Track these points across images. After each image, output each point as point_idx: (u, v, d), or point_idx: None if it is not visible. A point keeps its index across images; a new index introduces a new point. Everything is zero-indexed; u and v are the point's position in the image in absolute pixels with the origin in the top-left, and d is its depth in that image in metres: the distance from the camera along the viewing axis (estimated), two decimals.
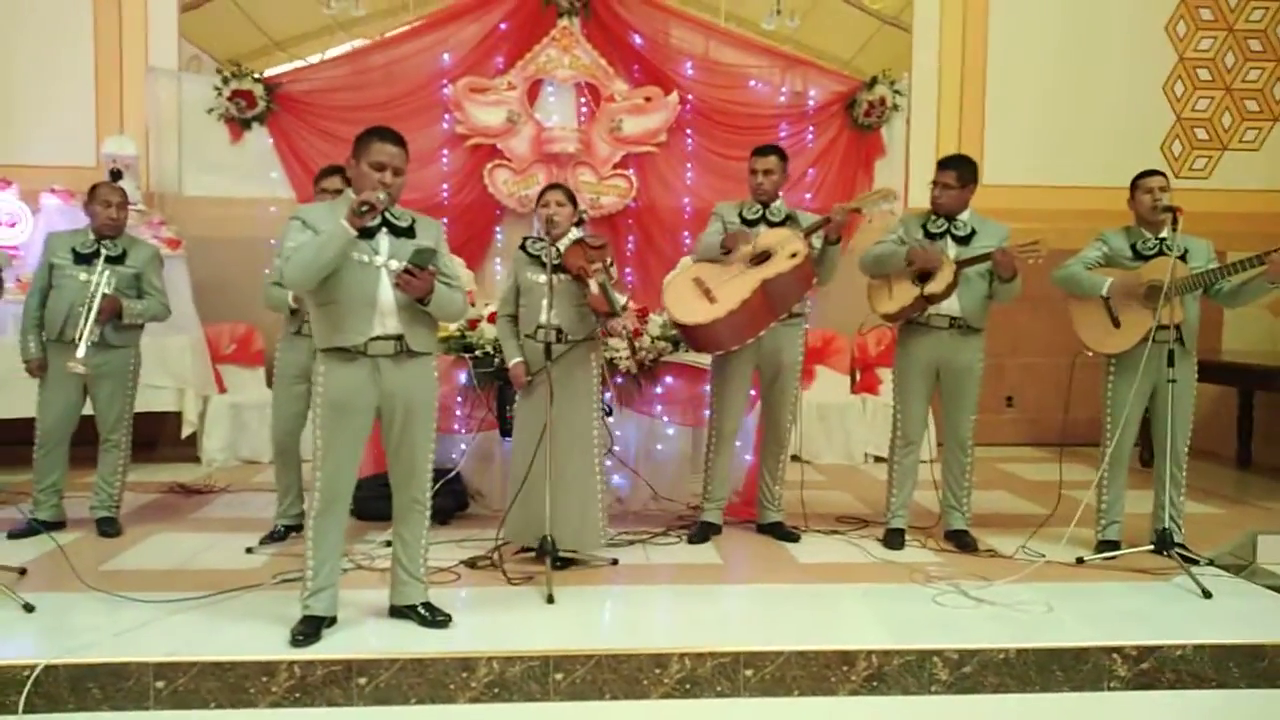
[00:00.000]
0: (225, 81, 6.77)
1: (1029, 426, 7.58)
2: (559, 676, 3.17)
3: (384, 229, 3.27)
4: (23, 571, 3.86)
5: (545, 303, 3.95)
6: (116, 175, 6.44)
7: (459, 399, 4.98)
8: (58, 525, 4.58)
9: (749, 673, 3.22)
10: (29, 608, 3.45)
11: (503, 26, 7.04)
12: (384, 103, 6.98)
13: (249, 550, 4.27)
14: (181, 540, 4.48)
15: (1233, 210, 7.21)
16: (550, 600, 3.64)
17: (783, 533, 4.63)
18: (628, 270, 6.90)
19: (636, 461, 5.16)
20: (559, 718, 3.13)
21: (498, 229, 7.08)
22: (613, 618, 3.54)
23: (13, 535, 4.44)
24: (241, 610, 3.53)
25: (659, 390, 5.05)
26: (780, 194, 4.54)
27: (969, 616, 3.61)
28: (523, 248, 4.15)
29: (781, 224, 4.43)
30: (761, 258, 4.27)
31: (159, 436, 6.59)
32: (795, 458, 6.81)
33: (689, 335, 4.30)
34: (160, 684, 3.05)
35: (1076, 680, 3.30)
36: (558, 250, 4.00)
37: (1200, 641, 3.37)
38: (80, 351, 4.00)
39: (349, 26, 7.06)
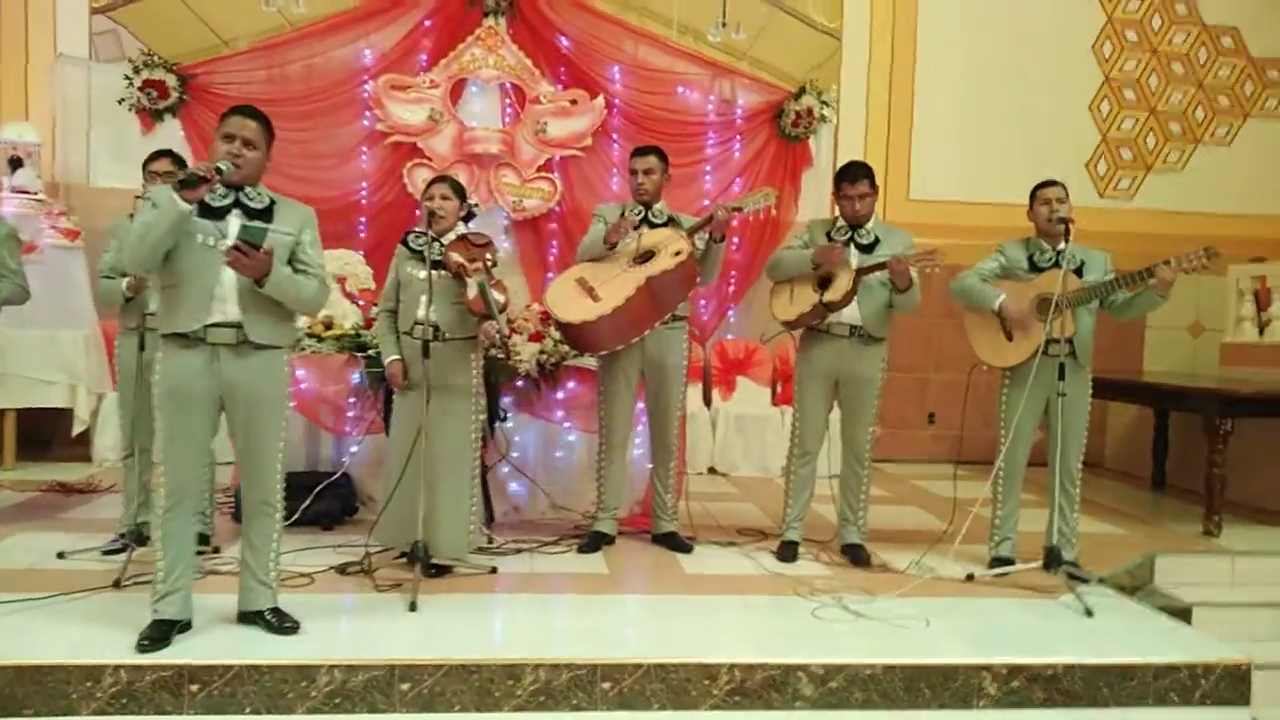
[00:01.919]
0: (136, 71, 6.60)
1: (951, 443, 7.54)
2: (405, 687, 3.03)
3: (235, 210, 3.11)
4: None
5: (424, 299, 3.81)
6: (16, 163, 6.25)
7: (350, 400, 4.84)
8: None
9: (606, 685, 3.10)
10: None
11: (426, 24, 6.95)
12: (302, 96, 6.87)
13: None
14: (43, 540, 4.26)
15: (1156, 231, 7.26)
16: (413, 608, 3.50)
17: (676, 543, 4.53)
18: (550, 275, 6.78)
19: (536, 468, 5.04)
20: None
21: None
22: (472, 627, 3.39)
23: None
24: (82, 613, 3.35)
25: (560, 395, 4.93)
26: (662, 195, 4.44)
27: (844, 631, 3.51)
28: (404, 241, 4.01)
29: (664, 225, 4.34)
30: (645, 257, 4.18)
31: (54, 434, 6.36)
32: (711, 469, 6.80)
33: (571, 335, 4.20)
34: None
35: (944, 698, 3.22)
36: (439, 245, 3.87)
37: (1071, 660, 3.30)
38: None
39: (296, 24, 6.86)
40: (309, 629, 3.26)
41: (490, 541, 4.43)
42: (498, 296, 3.77)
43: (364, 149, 6.93)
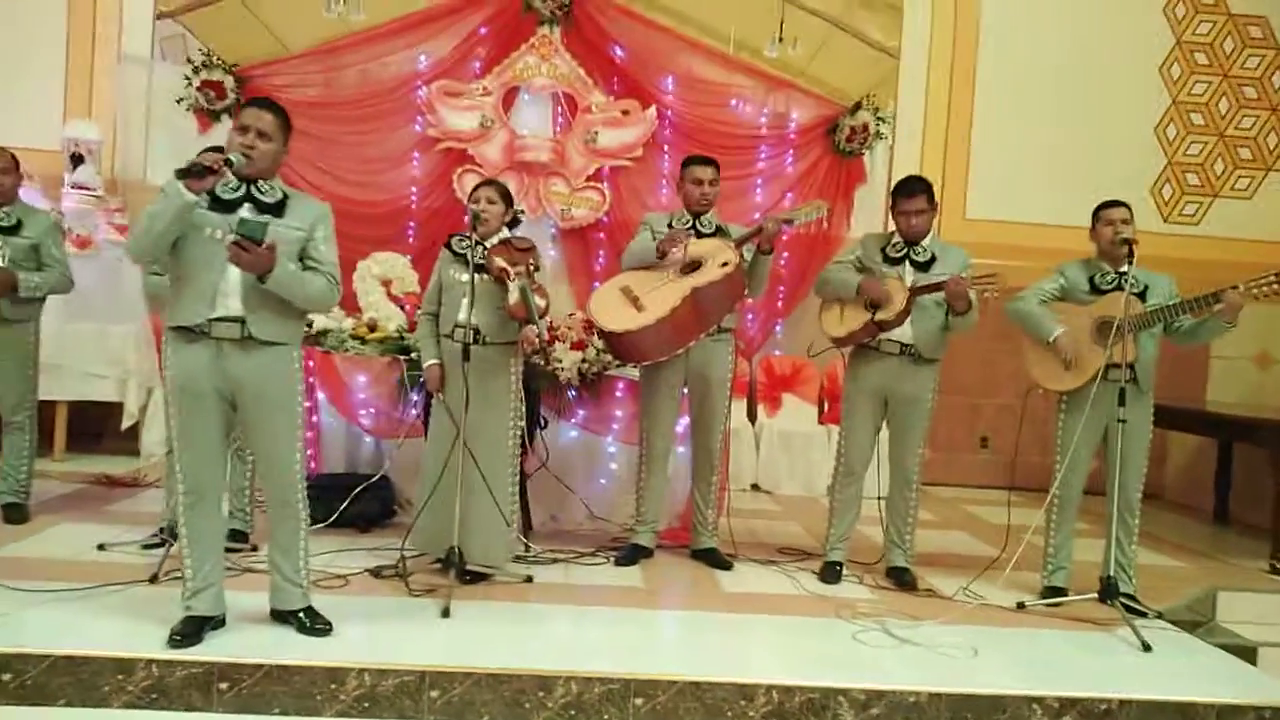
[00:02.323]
0: (195, 71, 6.69)
1: (1004, 469, 7.35)
2: (434, 694, 2.97)
3: (247, 204, 3.05)
4: None
5: (465, 301, 3.78)
6: (77, 160, 6.36)
7: (392, 402, 4.82)
8: None
9: (639, 701, 3.02)
10: None
11: (482, 31, 6.95)
12: (356, 100, 6.90)
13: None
14: (85, 532, 4.29)
15: (1223, 259, 7.00)
16: (446, 614, 3.45)
17: (715, 560, 4.43)
18: (596, 285, 6.73)
19: (575, 478, 4.97)
20: None
21: None
22: (505, 636, 3.32)
23: None
24: (118, 606, 3.34)
25: (602, 405, 4.87)
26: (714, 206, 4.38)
27: (888, 656, 3.39)
28: (448, 244, 3.99)
29: (712, 236, 4.26)
30: (691, 267, 4.11)
31: (103, 427, 6.44)
32: (755, 486, 6.68)
33: (614, 344, 4.13)
34: (6, 676, 2.87)
35: None
36: (483, 248, 3.84)
37: (1127, 696, 3.15)
38: None
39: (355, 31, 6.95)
40: (340, 631, 3.22)
41: (527, 550, 4.37)
42: (539, 302, 3.72)
43: (415, 154, 6.93)
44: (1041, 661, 3.44)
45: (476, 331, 3.80)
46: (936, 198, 4.36)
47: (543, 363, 4.48)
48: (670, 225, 4.36)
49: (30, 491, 4.51)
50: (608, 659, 3.16)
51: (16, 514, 4.40)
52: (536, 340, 3.80)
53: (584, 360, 4.76)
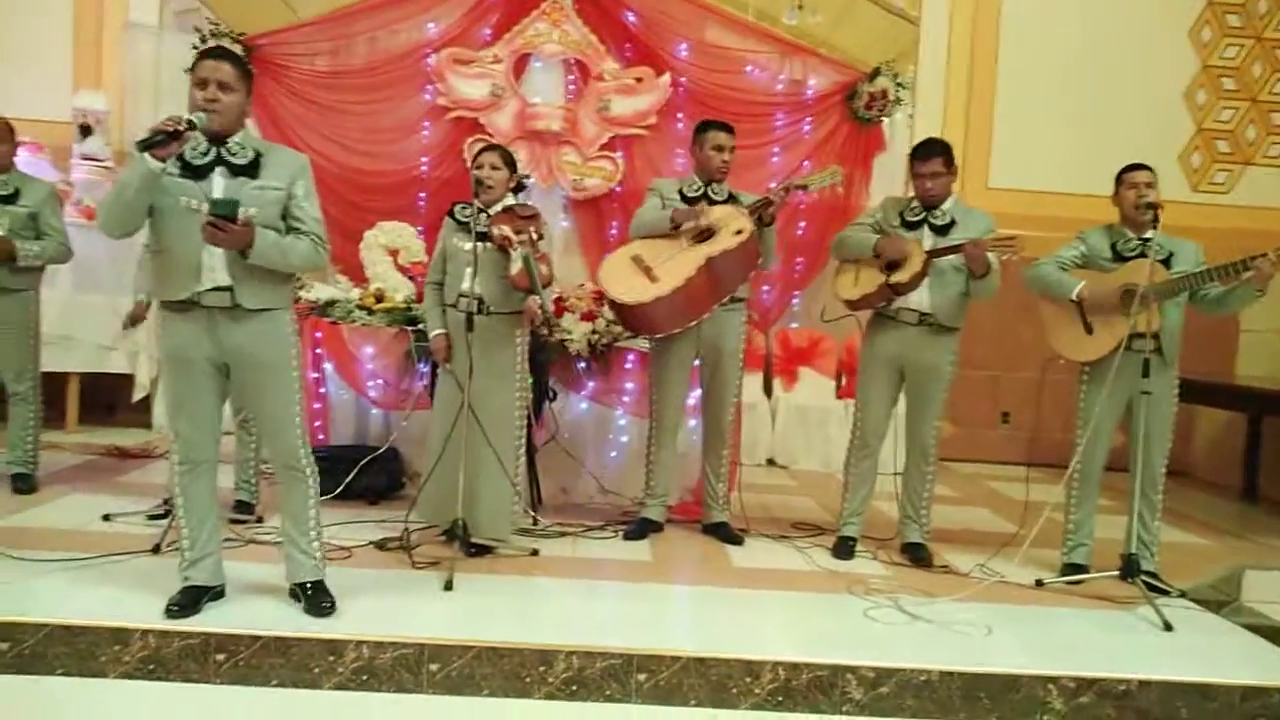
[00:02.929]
0: (203, 40, 6.61)
1: (1025, 444, 7.21)
2: (434, 667, 2.92)
3: (219, 167, 2.93)
4: None
5: (469, 271, 3.70)
6: (86, 130, 6.31)
7: (399, 374, 4.76)
8: None
9: (642, 677, 2.95)
10: None
11: None
12: (365, 69, 6.79)
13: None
14: (93, 503, 4.27)
15: (1253, 227, 6.82)
16: (448, 587, 3.40)
17: (726, 534, 4.35)
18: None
19: (585, 451, 4.90)
20: (431, 711, 2.87)
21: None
22: (507, 609, 3.27)
23: None
24: (120, 576, 3.31)
25: (612, 377, 4.78)
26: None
27: (899, 634, 3.31)
28: (450, 213, 3.90)
29: (724, 203, 4.15)
30: (704, 235, 4.00)
31: (116, 399, 6.43)
32: (770, 461, 6.59)
33: (626, 316, 4.04)
34: (4, 645, 2.84)
35: (1004, 709, 3.00)
36: (486, 216, 3.75)
37: (1147, 676, 3.06)
38: None
39: None
40: (341, 603, 3.15)
41: (535, 523, 4.31)
42: (542, 270, 3.63)
43: (426, 123, 6.82)
44: (1059, 640, 3.35)
45: (480, 301, 3.72)
46: (956, 162, 4.23)
47: (546, 334, 4.38)
48: (680, 192, 4.26)
49: (38, 461, 4.49)
50: (610, 633, 3.09)
51: (24, 484, 4.39)
52: (540, 312, 3.71)
53: (593, 331, 4.69)
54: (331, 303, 4.92)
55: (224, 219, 2.81)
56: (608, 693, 2.94)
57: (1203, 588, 4.16)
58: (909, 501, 4.29)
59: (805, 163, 7.03)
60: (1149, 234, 3.89)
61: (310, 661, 2.89)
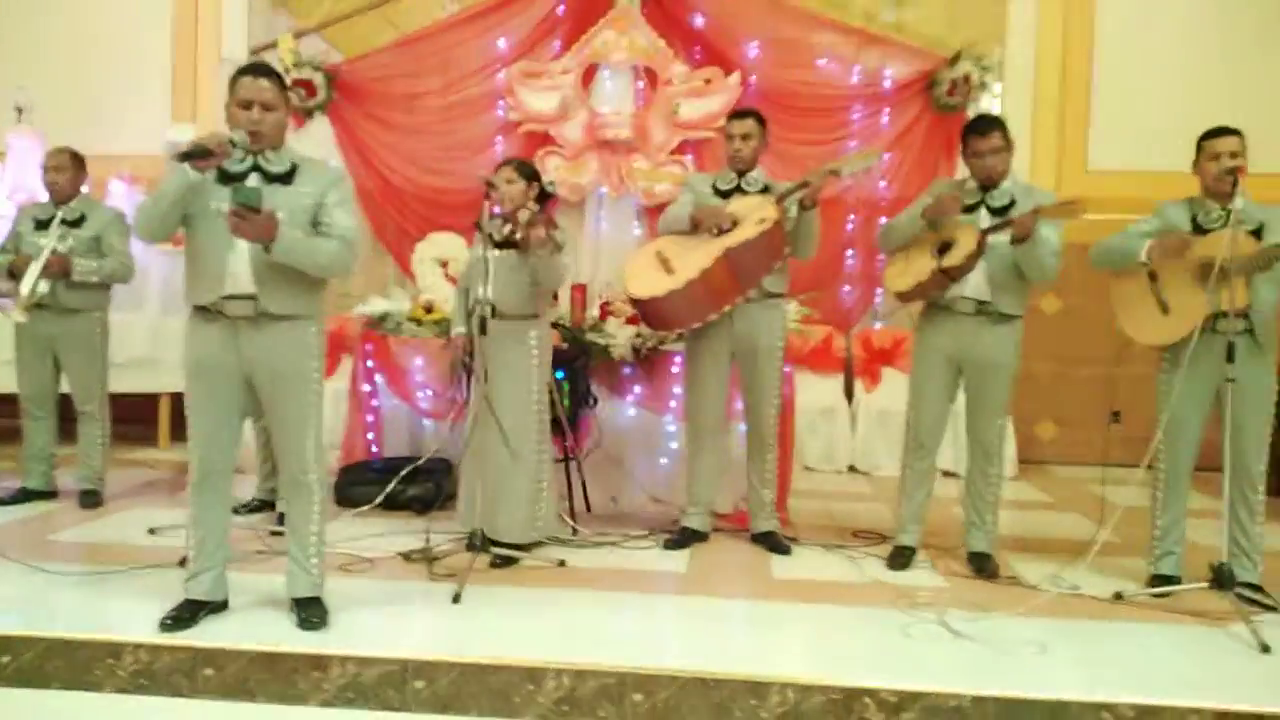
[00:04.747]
0: (286, 71, 6.81)
1: (1141, 445, 6.61)
2: (419, 685, 2.79)
3: (254, 174, 2.95)
4: None
5: (484, 277, 3.63)
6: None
7: (449, 384, 4.71)
8: (48, 494, 4.63)
9: (638, 697, 2.74)
10: None
11: (559, 10, 6.78)
12: (440, 89, 6.86)
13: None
14: (151, 517, 4.35)
15: None
16: (457, 600, 3.27)
17: (773, 543, 4.09)
18: None
19: (636, 459, 4.73)
20: None
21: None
22: (510, 624, 3.11)
23: (2, 502, 4.50)
24: (138, 590, 3.32)
25: (658, 382, 4.60)
26: (759, 162, 4.03)
27: (937, 653, 2.99)
28: (477, 223, 3.85)
29: (760, 194, 3.92)
30: (731, 226, 3.78)
31: None
32: (851, 468, 6.25)
33: (645, 311, 3.86)
34: (5, 658, 2.87)
35: None
36: (497, 222, 3.69)
37: (1226, 707, 2.64)
38: (24, 289, 4.14)
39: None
40: (346, 617, 3.09)
41: (575, 533, 4.17)
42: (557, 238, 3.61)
43: (498, 139, 6.84)
44: (1123, 662, 2.95)
45: (493, 307, 3.64)
46: (1046, 146, 3.88)
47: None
48: (714, 185, 4.06)
49: (104, 478, 4.64)
50: (612, 650, 2.89)
51: (90, 500, 4.54)
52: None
53: (638, 335, 4.52)
54: (385, 315, 4.92)
55: (246, 207, 2.81)
56: (601, 714, 2.75)
57: None
58: (973, 507, 3.93)
59: (885, 155, 6.71)
60: (1237, 203, 3.44)
61: (296, 677, 2.82)
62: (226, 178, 2.93)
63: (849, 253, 6.35)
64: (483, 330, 3.54)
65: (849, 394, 6.24)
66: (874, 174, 6.71)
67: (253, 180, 2.94)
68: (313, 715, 2.78)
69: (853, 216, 6.53)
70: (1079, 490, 5.86)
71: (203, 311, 2.99)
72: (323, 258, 2.97)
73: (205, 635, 2.94)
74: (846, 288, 6.49)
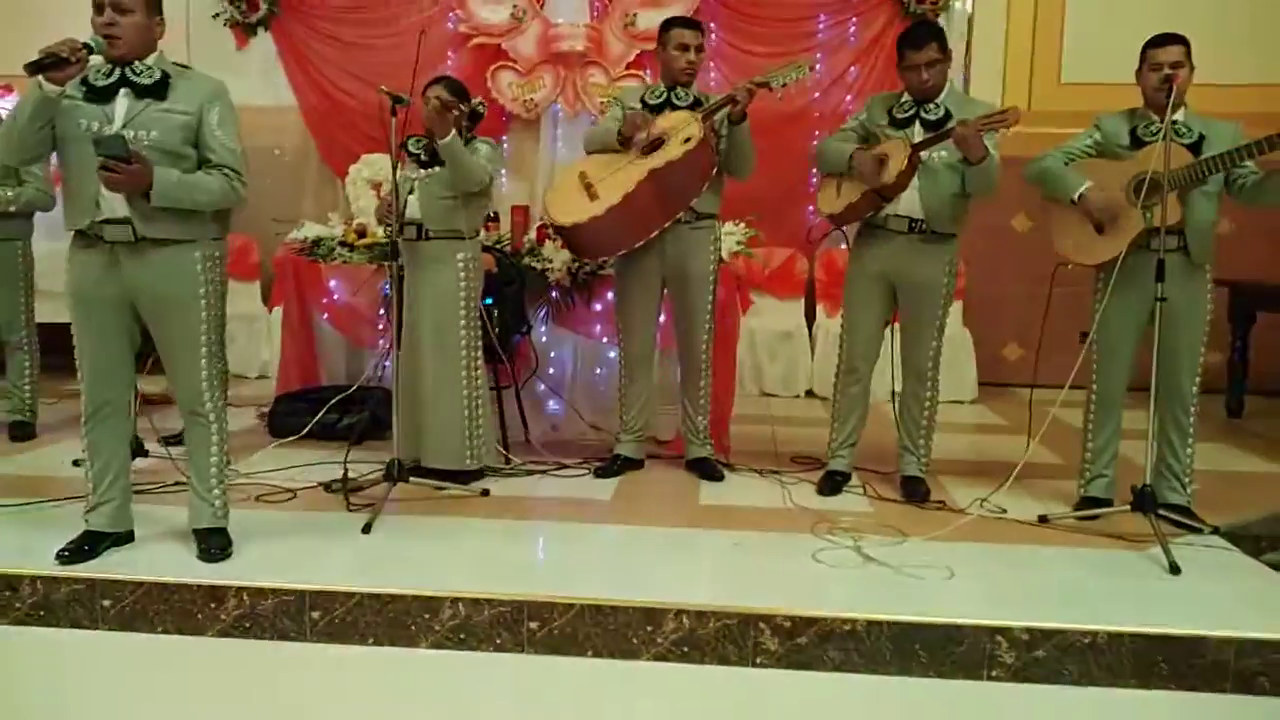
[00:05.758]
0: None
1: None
2: (315, 615, 2.77)
3: (124, 89, 2.78)
4: None
5: (411, 197, 3.55)
6: None
7: (380, 312, 4.63)
8: None
9: (534, 625, 2.72)
10: None
11: None
12: (387, 1, 6.66)
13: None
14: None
15: None
16: (366, 530, 3.24)
17: (707, 470, 4.04)
18: None
19: (573, 386, 4.67)
20: (311, 658, 2.75)
21: (504, 137, 6.64)
22: (415, 554, 3.08)
23: None
24: (46, 522, 3.28)
25: (598, 307, 4.51)
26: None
27: (842, 578, 2.96)
28: (404, 144, 3.73)
29: (689, 109, 3.77)
30: (654, 145, 3.64)
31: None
32: (809, 393, 6.18)
33: (568, 239, 3.75)
34: None
35: (944, 664, 2.63)
36: (417, 141, 3.61)
37: (1119, 628, 2.61)
38: None
39: None
40: (250, 548, 3.06)
41: (507, 462, 4.13)
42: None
43: (450, 54, 6.65)
44: (1029, 585, 2.92)
45: (418, 226, 3.56)
46: (1019, 57, 3.71)
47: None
48: (643, 100, 3.91)
49: (36, 409, 4.58)
50: (512, 579, 2.87)
51: (21, 431, 4.50)
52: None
53: (574, 259, 4.41)
54: (318, 241, 4.81)
55: (114, 159, 2.67)
56: (497, 642, 2.73)
57: (1252, 524, 3.59)
58: (905, 431, 3.87)
59: (852, 68, 6.53)
60: (1178, 116, 3.30)
61: (192, 608, 2.80)
62: (94, 93, 2.78)
63: (814, 171, 6.19)
64: (411, 252, 3.47)
65: (809, 318, 6.14)
66: (841, 87, 6.53)
67: (123, 98, 2.79)
68: (210, 645, 2.78)
69: (817, 133, 6.36)
70: (1038, 414, 5.78)
71: (82, 237, 2.87)
72: (203, 196, 2.84)
73: (105, 567, 2.91)
74: (811, 209, 6.35)
